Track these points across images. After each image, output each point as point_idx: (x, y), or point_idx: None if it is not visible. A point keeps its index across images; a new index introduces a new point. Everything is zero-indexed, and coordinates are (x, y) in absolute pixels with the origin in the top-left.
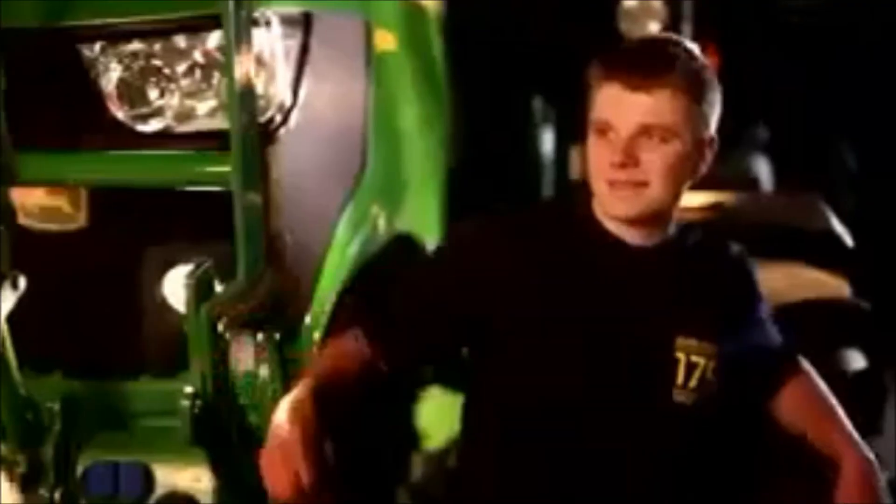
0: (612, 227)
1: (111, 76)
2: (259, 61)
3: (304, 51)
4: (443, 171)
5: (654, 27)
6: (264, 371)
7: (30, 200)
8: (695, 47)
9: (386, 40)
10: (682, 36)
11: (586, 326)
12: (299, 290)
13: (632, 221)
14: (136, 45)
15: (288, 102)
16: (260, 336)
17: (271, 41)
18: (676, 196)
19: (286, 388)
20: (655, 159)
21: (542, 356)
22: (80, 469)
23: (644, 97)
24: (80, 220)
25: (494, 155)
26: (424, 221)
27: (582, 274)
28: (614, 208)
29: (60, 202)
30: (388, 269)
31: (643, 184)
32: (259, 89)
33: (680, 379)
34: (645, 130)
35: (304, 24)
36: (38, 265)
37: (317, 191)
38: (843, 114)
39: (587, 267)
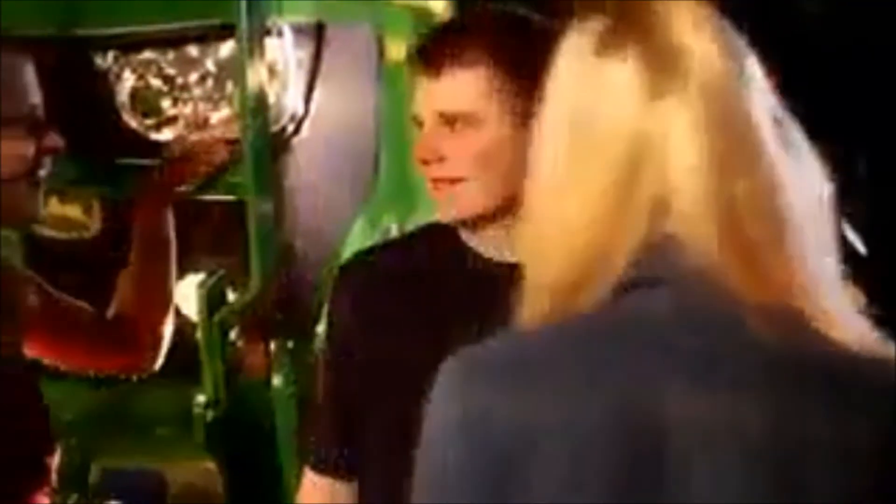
0: (472, 241)
1: (124, 85)
2: (272, 71)
3: (317, 61)
4: None
5: None
6: (277, 379)
7: (43, 209)
8: (529, 14)
9: (398, 50)
10: None
11: (420, 364)
12: (312, 298)
13: (474, 225)
14: (148, 55)
15: (300, 112)
16: (272, 344)
17: (284, 51)
18: (510, 192)
19: (299, 396)
20: (462, 151)
21: (392, 408)
22: (93, 476)
23: (437, 82)
24: (93, 228)
25: None
26: None
27: (434, 300)
28: (439, 213)
29: (74, 211)
30: None
31: (457, 180)
32: (271, 99)
33: None
34: (445, 120)
35: (316, 34)
36: (50, 273)
37: (329, 200)
38: (854, 119)
39: (439, 291)
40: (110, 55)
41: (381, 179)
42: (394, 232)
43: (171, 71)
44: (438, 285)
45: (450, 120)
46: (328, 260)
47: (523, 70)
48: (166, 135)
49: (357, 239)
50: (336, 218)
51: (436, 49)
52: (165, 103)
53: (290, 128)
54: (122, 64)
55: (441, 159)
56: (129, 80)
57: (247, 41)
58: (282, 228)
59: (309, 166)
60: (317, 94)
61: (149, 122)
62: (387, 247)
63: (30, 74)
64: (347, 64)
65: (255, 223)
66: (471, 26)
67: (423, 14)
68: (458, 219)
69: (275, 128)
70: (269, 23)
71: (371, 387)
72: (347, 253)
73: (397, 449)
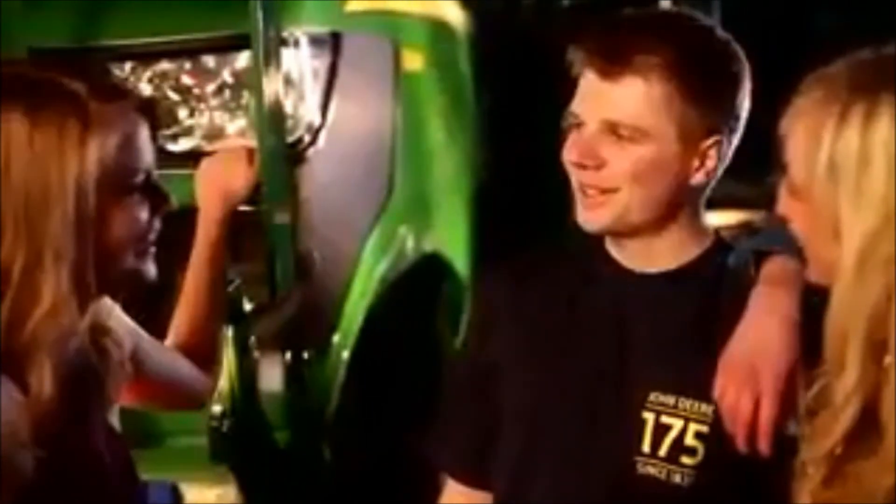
0: (615, 251)
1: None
2: (288, 81)
3: (333, 71)
4: (471, 189)
5: None
6: (293, 390)
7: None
8: (711, 24)
9: (413, 60)
10: None
11: (565, 379)
12: (327, 308)
13: (619, 239)
14: (165, 65)
15: (316, 122)
16: (288, 355)
17: (300, 61)
18: (662, 208)
19: (314, 407)
20: (622, 163)
21: (527, 416)
22: None
23: (611, 87)
24: None
25: (527, 171)
26: (452, 241)
27: (578, 314)
28: (581, 218)
29: None
30: (415, 291)
31: (609, 191)
32: (288, 109)
33: (646, 446)
34: (611, 128)
35: (332, 44)
36: None
37: (345, 210)
38: None
39: (585, 304)
40: (127, 65)
41: (397, 190)
42: (409, 243)
43: (187, 81)
44: (580, 295)
45: (616, 129)
46: (344, 271)
47: (697, 90)
48: (182, 145)
49: (373, 250)
50: (352, 228)
51: (619, 50)
52: (182, 113)
53: (307, 138)
54: (138, 74)
55: (599, 167)
56: (145, 90)
57: (263, 52)
58: (298, 238)
59: (325, 176)
60: (333, 105)
61: (165, 132)
62: (531, 257)
63: (145, 133)
64: (364, 74)
65: (270, 234)
66: (660, 34)
67: (438, 24)
68: (599, 230)
69: (291, 138)
70: (285, 33)
71: (510, 397)
72: (363, 265)
73: (535, 459)
